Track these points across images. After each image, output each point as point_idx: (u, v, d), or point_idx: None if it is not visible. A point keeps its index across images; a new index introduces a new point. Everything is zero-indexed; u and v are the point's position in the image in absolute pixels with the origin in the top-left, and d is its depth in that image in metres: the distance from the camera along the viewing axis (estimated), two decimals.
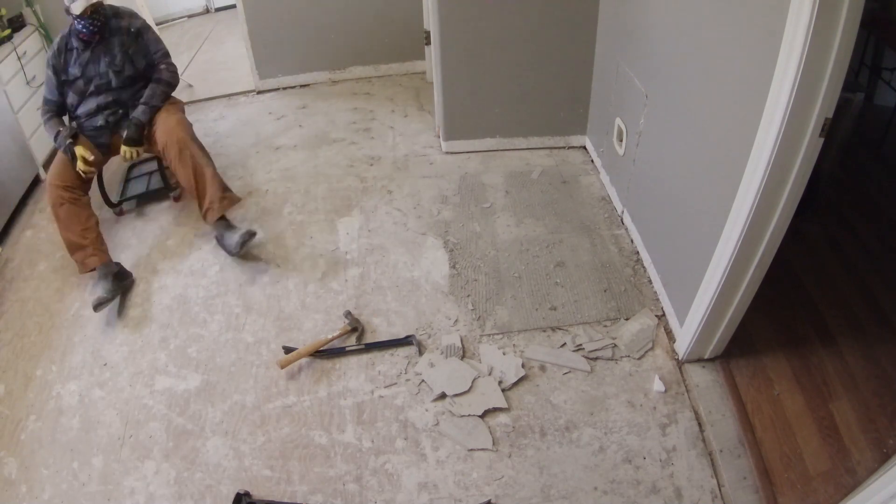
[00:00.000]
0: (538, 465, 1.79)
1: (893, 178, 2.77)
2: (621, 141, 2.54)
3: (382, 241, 2.59)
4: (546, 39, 2.77)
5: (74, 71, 2.46)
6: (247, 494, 1.72)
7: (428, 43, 3.64)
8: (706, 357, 2.00)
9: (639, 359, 2.05)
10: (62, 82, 2.48)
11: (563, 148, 3.14)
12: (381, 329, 2.21)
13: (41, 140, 3.15)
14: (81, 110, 2.51)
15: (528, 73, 2.88)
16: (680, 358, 2.03)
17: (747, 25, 1.57)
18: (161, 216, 2.83)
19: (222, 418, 1.97)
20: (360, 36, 3.63)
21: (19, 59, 2.97)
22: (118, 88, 2.52)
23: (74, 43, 2.45)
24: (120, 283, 2.39)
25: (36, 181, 3.11)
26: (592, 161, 3.02)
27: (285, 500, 1.74)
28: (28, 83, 3.04)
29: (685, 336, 1.98)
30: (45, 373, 2.15)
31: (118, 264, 2.44)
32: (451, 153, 3.12)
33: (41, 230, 2.82)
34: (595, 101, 2.94)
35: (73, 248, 2.38)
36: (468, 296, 2.31)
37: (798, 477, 1.67)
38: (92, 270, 2.38)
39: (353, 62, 3.79)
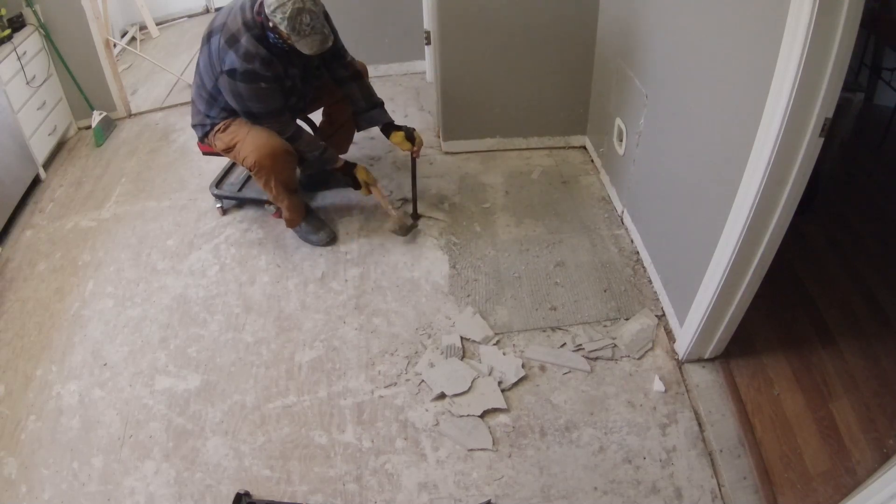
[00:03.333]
0: (538, 465, 1.79)
1: (893, 178, 2.77)
2: (621, 141, 2.54)
3: (382, 241, 2.59)
4: (546, 39, 2.77)
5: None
6: (247, 494, 1.72)
7: (428, 43, 3.64)
8: (706, 357, 2.00)
9: (639, 359, 2.05)
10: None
11: (563, 148, 3.14)
12: (381, 329, 2.21)
13: (41, 140, 3.16)
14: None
15: (528, 72, 2.88)
16: (680, 358, 2.03)
17: (747, 25, 1.57)
18: (162, 216, 2.83)
19: (222, 418, 1.97)
20: (360, 36, 3.63)
21: (19, 59, 2.97)
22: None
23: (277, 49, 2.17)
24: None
25: (36, 181, 3.11)
26: (592, 161, 3.02)
27: (285, 500, 1.74)
28: (28, 83, 3.04)
29: (685, 336, 1.98)
30: (45, 373, 2.15)
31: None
32: (451, 153, 3.12)
33: (41, 230, 2.82)
34: (595, 101, 2.94)
35: (292, 188, 2.43)
36: (468, 296, 2.31)
37: (798, 477, 1.67)
38: (307, 216, 2.56)
39: None
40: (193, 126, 2.45)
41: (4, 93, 2.82)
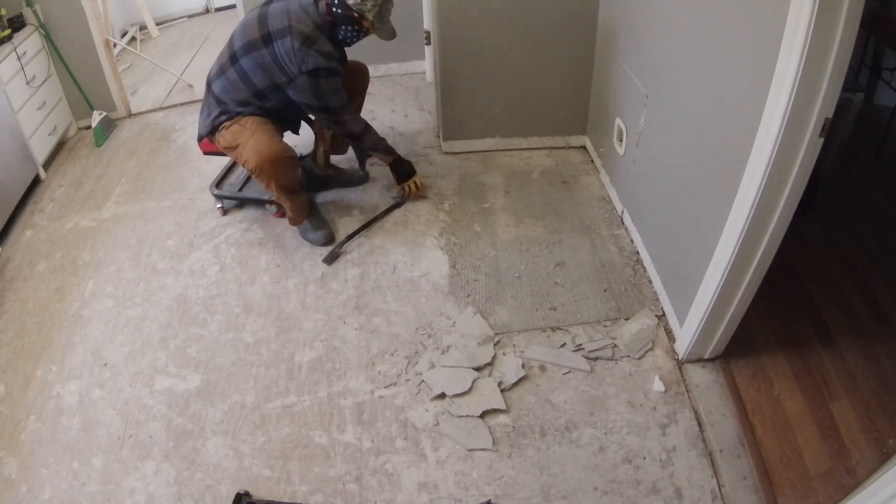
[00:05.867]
0: (538, 465, 1.79)
1: (893, 178, 2.77)
2: (621, 141, 2.54)
3: (382, 241, 2.59)
4: (546, 39, 2.78)
5: None
6: (247, 494, 1.72)
7: (428, 43, 3.64)
8: (706, 357, 2.00)
9: (639, 359, 2.05)
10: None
11: (563, 148, 3.14)
12: (381, 329, 2.21)
13: (41, 140, 3.16)
14: None
15: (528, 73, 2.88)
16: (680, 358, 2.03)
17: (747, 25, 1.57)
18: (162, 216, 2.83)
19: (222, 418, 1.97)
20: None
21: (19, 59, 2.97)
22: None
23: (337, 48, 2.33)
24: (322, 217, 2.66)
25: (36, 181, 3.11)
26: (592, 161, 3.02)
27: (285, 500, 1.74)
28: (28, 83, 3.04)
29: (685, 336, 1.98)
30: (45, 373, 2.15)
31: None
32: (451, 153, 3.12)
33: (41, 230, 2.82)
34: (595, 101, 2.94)
35: (294, 189, 2.45)
36: (468, 296, 2.31)
37: (798, 477, 1.67)
38: (310, 214, 2.59)
39: None
40: (211, 121, 2.40)
41: (4, 93, 2.82)
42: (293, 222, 2.58)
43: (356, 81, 2.65)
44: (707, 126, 1.82)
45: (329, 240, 2.60)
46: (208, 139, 2.47)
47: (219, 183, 2.83)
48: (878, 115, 3.13)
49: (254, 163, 2.27)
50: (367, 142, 2.52)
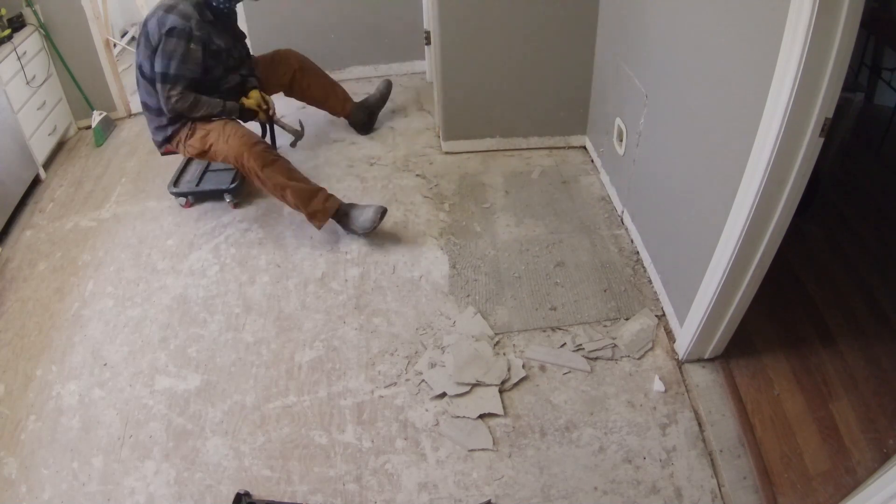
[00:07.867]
0: (538, 465, 1.79)
1: (893, 178, 2.77)
2: (621, 141, 2.54)
3: (382, 241, 2.59)
4: (546, 39, 2.78)
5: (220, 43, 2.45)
6: (247, 494, 1.72)
7: (428, 43, 3.64)
8: (706, 357, 2.00)
9: (639, 359, 2.05)
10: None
11: (563, 148, 3.14)
12: (381, 329, 2.21)
13: (41, 140, 3.16)
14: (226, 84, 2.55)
15: (528, 73, 2.88)
16: (680, 358, 2.03)
17: (747, 25, 1.57)
18: (162, 216, 2.83)
19: (222, 418, 1.97)
20: (360, 36, 3.64)
21: (19, 59, 2.97)
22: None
23: (209, 15, 2.42)
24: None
25: (36, 181, 3.11)
26: (592, 161, 3.02)
27: (285, 500, 1.74)
28: (28, 83, 3.04)
29: (685, 336, 1.98)
30: (45, 373, 2.15)
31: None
32: (451, 153, 3.12)
33: (41, 230, 2.82)
34: (595, 101, 2.94)
35: (309, 196, 2.43)
36: (468, 296, 2.31)
37: (798, 477, 1.67)
38: (336, 212, 2.48)
39: (352, 62, 3.78)
40: (154, 138, 2.53)
41: (4, 93, 2.82)
42: (316, 218, 2.48)
43: (284, 69, 2.82)
44: (707, 126, 1.82)
45: (381, 212, 2.48)
46: (167, 146, 2.58)
47: (176, 181, 2.88)
48: (878, 115, 3.13)
49: (233, 155, 2.34)
50: (203, 111, 2.42)
